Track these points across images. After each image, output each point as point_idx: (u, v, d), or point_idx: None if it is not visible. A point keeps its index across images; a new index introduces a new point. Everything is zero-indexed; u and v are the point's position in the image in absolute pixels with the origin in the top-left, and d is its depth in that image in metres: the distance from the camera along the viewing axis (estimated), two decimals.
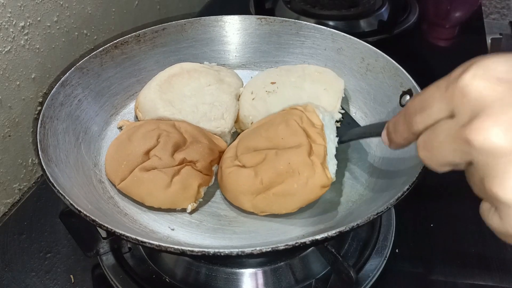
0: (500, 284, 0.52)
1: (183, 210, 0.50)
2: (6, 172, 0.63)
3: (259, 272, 0.51)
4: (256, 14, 0.92)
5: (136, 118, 0.60)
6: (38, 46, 0.63)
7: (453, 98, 0.30)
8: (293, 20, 0.68)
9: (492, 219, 0.31)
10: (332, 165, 0.48)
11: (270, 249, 0.38)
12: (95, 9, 0.74)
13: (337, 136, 0.51)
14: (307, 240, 0.38)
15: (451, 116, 0.30)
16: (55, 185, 0.43)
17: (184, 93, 0.60)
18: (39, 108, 0.65)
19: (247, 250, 0.38)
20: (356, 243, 0.55)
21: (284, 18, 0.68)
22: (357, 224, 0.39)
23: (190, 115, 0.58)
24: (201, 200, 0.51)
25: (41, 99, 0.65)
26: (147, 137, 0.52)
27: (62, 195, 0.42)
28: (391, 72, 0.58)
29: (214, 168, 0.53)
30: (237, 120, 0.60)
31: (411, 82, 0.55)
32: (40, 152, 0.46)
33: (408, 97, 0.55)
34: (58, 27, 0.66)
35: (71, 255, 0.56)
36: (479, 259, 0.55)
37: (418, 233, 0.58)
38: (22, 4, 0.59)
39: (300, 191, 0.46)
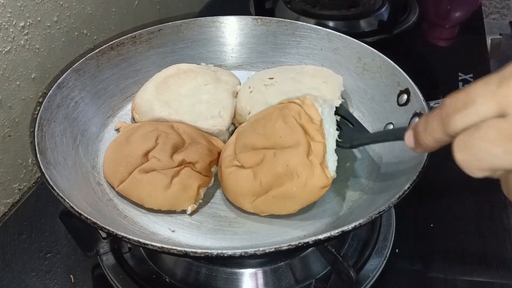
0: (500, 280, 0.52)
1: (183, 211, 0.50)
2: (6, 172, 0.63)
3: (259, 272, 0.51)
4: (256, 14, 0.92)
5: (133, 119, 0.60)
6: (38, 46, 0.63)
7: (508, 95, 0.27)
8: (289, 20, 0.68)
9: None
10: (332, 161, 0.47)
11: (273, 249, 0.38)
12: (95, 9, 0.74)
13: (342, 140, 0.50)
14: (310, 240, 0.38)
15: (501, 115, 0.28)
16: (55, 187, 0.43)
17: (180, 93, 0.60)
18: (38, 108, 0.65)
19: (250, 251, 0.38)
20: (356, 243, 0.55)
21: (280, 19, 0.68)
22: (359, 223, 0.39)
23: (187, 114, 0.58)
24: (201, 201, 0.51)
25: (41, 99, 0.65)
26: (145, 138, 0.52)
27: (62, 197, 0.42)
28: (388, 72, 0.59)
29: (213, 169, 0.53)
30: (234, 115, 0.60)
31: (408, 81, 0.55)
32: (38, 155, 0.46)
33: (405, 96, 0.55)
34: (58, 27, 0.66)
35: (71, 255, 0.56)
36: (479, 258, 0.55)
37: (418, 233, 0.58)
38: (22, 4, 0.59)
39: (299, 193, 0.46)
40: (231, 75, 0.64)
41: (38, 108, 0.52)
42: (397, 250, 0.55)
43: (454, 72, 0.84)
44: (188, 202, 0.50)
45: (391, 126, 0.56)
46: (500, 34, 1.04)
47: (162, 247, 0.38)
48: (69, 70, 0.57)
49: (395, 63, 0.58)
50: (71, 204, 0.41)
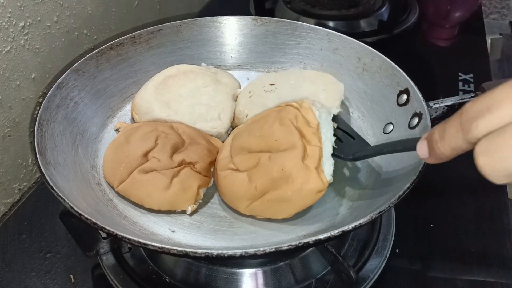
0: (500, 280, 0.52)
1: (183, 211, 0.50)
2: (6, 172, 0.63)
3: (259, 272, 0.51)
4: (256, 14, 0.92)
5: (133, 120, 0.60)
6: (38, 46, 0.63)
7: None
8: (288, 20, 0.68)
9: None
10: (328, 165, 0.47)
11: (273, 249, 0.38)
12: (95, 9, 0.74)
13: (344, 152, 0.49)
14: (310, 240, 0.38)
15: None
16: (55, 188, 0.43)
17: (180, 94, 0.60)
18: (38, 108, 0.65)
19: (251, 251, 0.38)
20: (356, 243, 0.55)
21: (279, 19, 0.68)
22: (360, 223, 0.39)
23: (186, 116, 0.57)
24: (200, 201, 0.51)
25: (41, 99, 0.65)
26: (145, 138, 0.52)
27: (62, 198, 0.42)
28: (387, 72, 0.59)
29: (213, 169, 0.53)
30: (233, 119, 0.60)
31: (408, 81, 0.55)
32: (38, 155, 0.46)
33: (405, 96, 0.55)
34: (58, 27, 0.66)
35: (71, 255, 0.56)
36: (479, 258, 0.55)
37: (418, 233, 0.58)
38: (22, 4, 0.59)
39: (294, 197, 0.46)
40: (231, 78, 0.64)
41: (38, 108, 0.52)
42: (397, 250, 0.55)
43: (454, 72, 0.84)
44: (188, 202, 0.50)
45: (390, 126, 0.56)
46: (500, 34, 1.04)
47: (162, 248, 0.38)
48: (68, 71, 0.57)
49: (395, 63, 0.58)
50: (71, 205, 0.41)
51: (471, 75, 0.83)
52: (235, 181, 0.48)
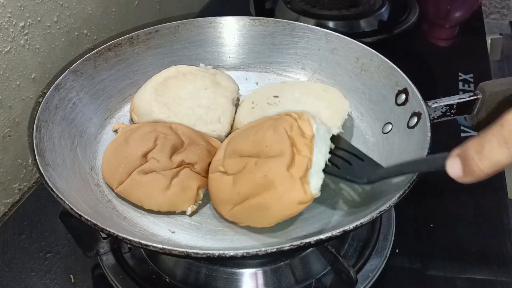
0: (500, 278, 0.53)
1: (183, 212, 0.50)
2: (6, 172, 0.63)
3: (259, 272, 0.51)
4: (256, 14, 0.92)
5: (131, 121, 0.60)
6: (38, 46, 0.63)
7: None
8: (286, 20, 0.68)
9: None
10: (316, 179, 0.44)
11: (275, 249, 0.38)
12: (95, 9, 0.74)
13: (356, 175, 0.46)
14: (312, 240, 0.38)
15: None
16: (54, 189, 0.43)
17: (179, 95, 0.60)
18: (37, 108, 0.65)
19: (252, 251, 0.38)
20: (356, 243, 0.55)
21: (278, 19, 0.68)
22: (360, 223, 0.39)
23: (186, 118, 0.57)
24: (200, 202, 0.51)
25: (40, 100, 0.65)
26: (144, 139, 0.52)
27: (61, 199, 0.42)
28: (386, 72, 0.59)
29: None
30: (232, 126, 0.59)
31: (407, 81, 0.55)
32: (37, 156, 0.46)
33: (404, 95, 0.55)
34: (58, 27, 0.66)
35: (71, 255, 0.56)
36: (479, 258, 0.55)
37: (418, 233, 0.58)
38: (22, 4, 0.59)
39: (274, 205, 0.44)
40: (230, 80, 0.63)
41: (37, 108, 0.52)
42: (397, 250, 0.55)
43: (454, 72, 0.84)
44: (187, 203, 0.49)
45: (389, 126, 0.56)
46: (500, 34, 1.04)
47: (163, 248, 0.38)
48: (66, 71, 0.57)
49: (395, 63, 0.58)
50: (71, 206, 0.41)
51: (471, 75, 0.83)
52: (221, 184, 0.48)
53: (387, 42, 0.90)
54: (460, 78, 0.83)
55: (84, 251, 0.52)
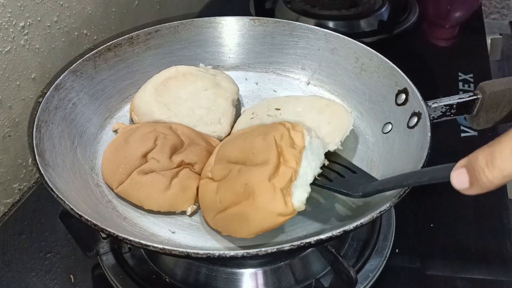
0: (500, 278, 0.53)
1: (183, 212, 0.50)
2: (6, 172, 0.63)
3: (259, 272, 0.51)
4: (256, 14, 0.92)
5: (131, 121, 0.60)
6: (38, 46, 0.63)
7: None
8: (286, 20, 0.68)
9: None
10: (301, 191, 0.43)
11: (275, 249, 0.37)
12: (95, 9, 0.74)
13: (350, 188, 0.45)
14: (312, 240, 0.38)
15: None
16: (54, 189, 0.43)
17: (180, 96, 0.60)
18: (37, 108, 0.65)
19: (252, 251, 0.38)
20: (356, 243, 0.55)
21: (277, 19, 0.68)
22: (361, 223, 0.39)
23: (186, 118, 0.57)
24: None
25: (40, 100, 0.65)
26: (144, 139, 0.52)
27: (61, 199, 0.42)
28: (386, 72, 0.59)
29: None
30: (233, 124, 0.59)
31: (406, 81, 0.55)
32: (37, 157, 0.46)
33: (403, 95, 0.55)
34: (58, 27, 0.66)
35: (71, 255, 0.56)
36: (479, 257, 0.55)
37: (418, 233, 0.58)
38: (22, 4, 0.59)
39: (253, 216, 0.42)
40: (230, 81, 0.63)
41: (37, 108, 0.52)
42: (397, 250, 0.55)
43: (454, 72, 0.84)
44: (187, 203, 0.49)
45: (389, 126, 0.56)
46: (500, 34, 1.04)
47: (163, 249, 0.38)
48: (66, 72, 0.57)
49: (395, 63, 0.58)
50: (71, 206, 0.41)
51: (471, 75, 0.83)
52: (207, 190, 0.47)
53: (387, 42, 0.90)
54: (460, 78, 0.83)
55: (84, 251, 0.52)
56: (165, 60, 0.66)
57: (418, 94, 0.53)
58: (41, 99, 0.64)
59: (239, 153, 0.47)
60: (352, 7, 0.94)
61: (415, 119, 0.52)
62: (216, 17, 0.69)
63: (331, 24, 0.91)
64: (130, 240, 0.39)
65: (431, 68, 0.87)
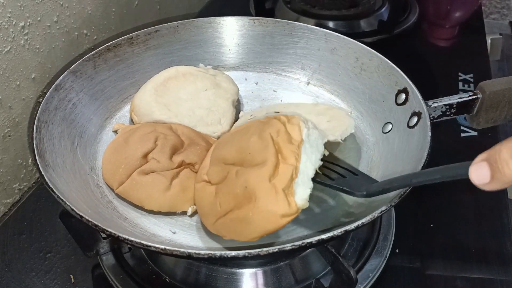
0: (500, 277, 0.53)
1: (184, 213, 0.50)
2: (6, 172, 0.63)
3: (259, 272, 0.51)
4: (256, 14, 0.92)
5: (131, 121, 0.60)
6: (38, 46, 0.63)
7: None
8: (286, 20, 0.68)
9: None
10: (303, 189, 0.41)
11: (276, 249, 0.37)
12: (95, 9, 0.74)
13: (352, 188, 0.44)
14: (313, 240, 0.38)
15: None
16: (55, 190, 0.43)
17: (180, 96, 0.60)
18: (37, 108, 0.65)
19: (254, 252, 0.38)
20: (356, 243, 0.55)
21: (277, 19, 0.68)
22: (362, 223, 0.39)
23: (186, 119, 0.57)
24: None
25: (40, 100, 0.65)
26: (144, 140, 0.52)
27: (62, 200, 0.42)
28: (385, 71, 0.59)
29: None
30: (233, 124, 0.59)
31: (406, 81, 0.55)
32: (37, 157, 0.46)
33: (403, 95, 0.55)
34: (58, 27, 0.66)
35: (71, 255, 0.56)
36: (479, 257, 0.55)
37: (418, 233, 0.58)
38: (22, 4, 0.59)
39: (256, 219, 0.41)
40: (230, 82, 0.63)
41: (37, 108, 0.52)
42: (397, 250, 0.55)
43: (454, 72, 0.84)
44: (188, 203, 0.49)
45: (389, 126, 0.56)
46: (500, 34, 1.04)
47: (165, 249, 0.38)
48: (66, 72, 0.57)
49: (395, 63, 0.58)
50: (72, 207, 0.41)
51: (471, 75, 0.83)
52: (204, 194, 0.45)
53: (387, 42, 0.90)
54: (460, 78, 0.83)
55: (84, 251, 0.52)
56: (164, 60, 0.66)
57: (418, 94, 0.53)
58: (41, 99, 0.64)
59: (235, 154, 0.45)
60: (352, 7, 0.94)
61: (415, 119, 0.52)
62: (216, 17, 0.69)
63: (331, 24, 0.91)
64: (131, 241, 0.39)
65: (431, 68, 0.87)
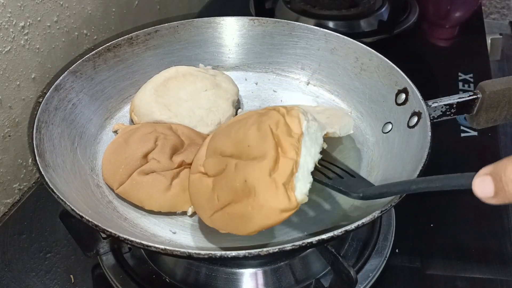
0: (500, 277, 0.53)
1: (184, 213, 0.50)
2: (6, 172, 0.63)
3: (259, 272, 0.51)
4: (256, 14, 0.92)
5: (131, 121, 0.60)
6: (38, 46, 0.63)
7: None
8: (285, 21, 0.68)
9: None
10: (303, 183, 0.41)
11: (277, 250, 0.37)
12: (95, 9, 0.74)
13: (349, 189, 0.44)
14: (314, 240, 0.38)
15: None
16: (55, 190, 0.43)
17: (180, 96, 0.60)
18: (37, 108, 0.65)
19: (254, 252, 0.38)
20: (356, 243, 0.55)
21: (277, 19, 0.68)
22: (362, 223, 0.39)
23: (186, 119, 0.57)
24: None
25: (40, 100, 0.65)
26: (144, 140, 0.52)
27: (62, 200, 0.42)
28: (385, 71, 0.59)
29: None
30: None
31: (406, 81, 0.55)
32: (37, 158, 0.46)
33: (403, 95, 0.55)
34: (58, 27, 0.66)
35: (71, 255, 0.56)
36: (479, 257, 0.55)
37: (418, 233, 0.58)
38: (22, 4, 0.59)
39: (255, 214, 0.40)
40: (230, 82, 0.63)
41: (37, 108, 0.52)
42: (397, 250, 0.55)
43: (454, 72, 0.84)
44: (188, 203, 0.49)
45: (389, 126, 0.56)
46: (500, 34, 1.04)
47: (165, 249, 0.38)
48: (66, 72, 0.57)
49: (395, 63, 0.58)
50: (72, 207, 0.41)
51: (471, 75, 0.83)
52: (201, 187, 0.44)
53: (387, 42, 0.90)
54: (460, 78, 0.83)
55: (84, 251, 0.52)
56: (164, 60, 0.66)
57: (418, 94, 0.53)
58: (41, 99, 0.64)
59: (233, 146, 0.44)
60: (352, 7, 0.94)
61: (415, 119, 0.52)
62: (216, 17, 0.69)
63: (331, 24, 0.91)
64: (131, 241, 0.39)
65: (431, 68, 0.87)
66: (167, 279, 0.52)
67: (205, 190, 0.44)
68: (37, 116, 0.51)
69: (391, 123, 0.56)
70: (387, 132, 0.56)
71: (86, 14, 0.72)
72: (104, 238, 0.52)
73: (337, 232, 0.39)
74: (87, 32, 0.73)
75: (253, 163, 0.41)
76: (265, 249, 0.37)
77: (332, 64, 0.65)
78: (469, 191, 0.32)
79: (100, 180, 0.53)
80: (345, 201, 0.51)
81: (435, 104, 0.53)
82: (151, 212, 0.50)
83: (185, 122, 0.57)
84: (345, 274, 0.44)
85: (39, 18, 0.63)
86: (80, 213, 0.41)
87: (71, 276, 0.54)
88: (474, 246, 0.56)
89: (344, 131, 0.52)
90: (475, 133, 0.71)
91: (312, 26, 0.67)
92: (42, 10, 0.63)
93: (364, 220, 0.39)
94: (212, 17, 0.69)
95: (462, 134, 0.71)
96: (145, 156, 0.51)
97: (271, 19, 0.68)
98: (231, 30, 0.69)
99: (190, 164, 0.51)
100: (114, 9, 0.78)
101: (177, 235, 0.48)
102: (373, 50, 0.61)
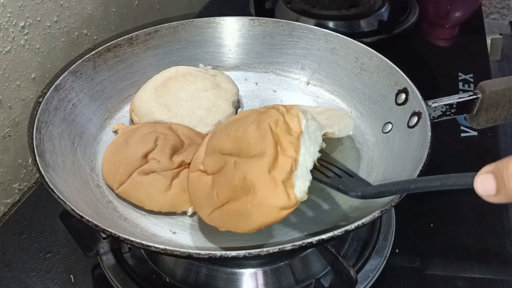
0: (500, 277, 0.53)
1: (184, 213, 0.50)
2: (6, 172, 0.63)
3: (259, 272, 0.51)
4: (256, 14, 0.92)
5: (131, 121, 0.60)
6: (38, 46, 0.63)
7: None
8: (285, 20, 0.68)
9: None
10: (302, 181, 0.41)
11: (277, 249, 0.37)
12: (95, 9, 0.74)
13: (348, 188, 0.44)
14: (314, 240, 0.38)
15: None
16: (55, 190, 0.43)
17: (180, 97, 0.60)
18: (37, 108, 0.65)
19: (254, 252, 0.38)
20: (356, 243, 0.55)
21: (277, 19, 0.68)
22: (362, 223, 0.39)
23: (186, 119, 0.57)
24: None
25: (40, 100, 0.65)
26: (144, 140, 0.52)
27: (62, 200, 0.42)
28: (385, 71, 0.59)
29: None
30: None
31: (406, 81, 0.55)
32: (37, 158, 0.46)
33: (403, 95, 0.55)
34: (58, 27, 0.66)
35: (71, 255, 0.56)
36: (479, 257, 0.55)
37: (418, 233, 0.58)
38: (22, 4, 0.59)
39: (254, 212, 0.40)
40: (230, 82, 0.63)
41: (37, 108, 0.52)
42: (397, 250, 0.55)
43: (454, 72, 0.84)
44: (188, 203, 0.49)
45: (389, 126, 0.56)
46: (500, 34, 1.04)
47: (165, 249, 0.38)
48: (66, 72, 0.57)
49: (395, 63, 0.58)
50: (72, 207, 0.41)
51: (471, 75, 0.83)
52: (200, 184, 0.45)
53: (387, 42, 0.90)
54: (460, 78, 0.83)
55: (84, 251, 0.52)
56: (164, 60, 0.66)
57: (418, 94, 0.53)
58: (41, 99, 0.64)
59: (232, 144, 0.44)
60: (352, 7, 0.94)
61: (415, 119, 0.52)
62: (216, 17, 0.69)
63: (331, 24, 0.91)
64: (131, 241, 0.39)
65: (431, 68, 0.87)
66: (167, 279, 0.52)
67: (204, 188, 0.44)
68: (37, 116, 0.51)
69: (391, 123, 0.56)
70: (387, 132, 0.56)
71: (86, 14, 0.72)
72: (104, 238, 0.52)
73: (337, 232, 0.39)
74: (87, 32, 0.73)
75: (252, 161, 0.41)
76: (265, 249, 0.37)
77: (332, 64, 0.65)
78: (469, 191, 0.32)
79: (100, 180, 0.53)
80: (345, 201, 0.51)
81: (435, 104, 0.53)
82: (151, 212, 0.50)
83: (185, 122, 0.57)
84: (345, 274, 0.44)
85: (39, 18, 0.63)
86: (80, 213, 0.41)
87: (71, 276, 0.54)
88: (474, 246, 0.56)
89: (343, 132, 0.52)
90: (475, 133, 0.71)
91: (312, 26, 0.67)
92: (42, 10, 0.63)
93: (364, 220, 0.39)
94: (212, 17, 0.69)
95: (462, 134, 0.71)
96: (145, 156, 0.51)
97: (271, 19, 0.68)
98: (231, 30, 0.69)
99: (190, 164, 0.51)
100: (114, 9, 0.79)
101: (177, 235, 0.48)
102: (373, 50, 0.61)
